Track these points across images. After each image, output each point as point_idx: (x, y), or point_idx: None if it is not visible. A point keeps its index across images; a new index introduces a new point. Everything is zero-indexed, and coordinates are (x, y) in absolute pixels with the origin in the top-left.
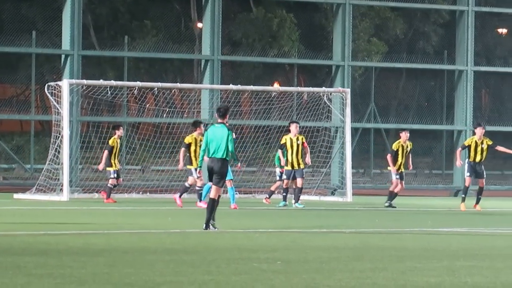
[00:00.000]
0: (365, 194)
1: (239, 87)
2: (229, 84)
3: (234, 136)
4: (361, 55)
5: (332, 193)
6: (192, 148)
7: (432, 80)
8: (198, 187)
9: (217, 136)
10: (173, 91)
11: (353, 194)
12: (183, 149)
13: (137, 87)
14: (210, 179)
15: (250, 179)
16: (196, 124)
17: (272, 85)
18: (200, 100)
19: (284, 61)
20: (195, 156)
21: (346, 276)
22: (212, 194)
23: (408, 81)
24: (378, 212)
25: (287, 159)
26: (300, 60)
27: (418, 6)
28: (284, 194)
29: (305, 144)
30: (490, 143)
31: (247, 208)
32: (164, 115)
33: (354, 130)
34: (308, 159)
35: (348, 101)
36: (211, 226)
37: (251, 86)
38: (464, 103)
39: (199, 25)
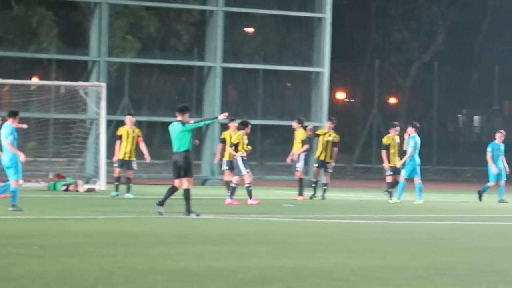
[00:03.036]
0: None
1: (0, 80)
2: None
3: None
4: (116, 52)
5: (87, 182)
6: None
7: (183, 76)
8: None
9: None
10: None
11: (107, 183)
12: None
13: None
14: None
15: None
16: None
17: (31, 79)
18: None
19: (43, 56)
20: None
21: (100, 260)
22: (185, 185)
23: (160, 76)
24: (133, 200)
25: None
26: (58, 55)
27: (171, 5)
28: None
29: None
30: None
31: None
32: None
33: (109, 122)
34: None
35: (103, 95)
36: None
37: (11, 80)
38: (213, 97)
39: None
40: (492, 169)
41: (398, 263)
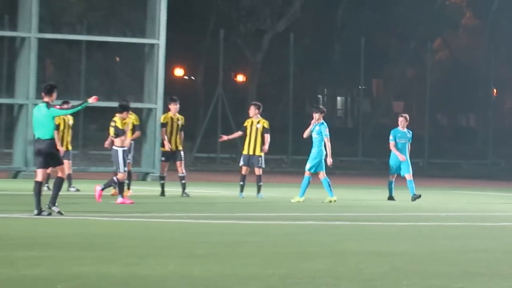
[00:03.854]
0: None
1: None
2: None
3: None
4: None
5: None
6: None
7: None
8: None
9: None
10: None
11: None
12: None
13: None
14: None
15: None
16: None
17: None
18: None
19: None
20: None
21: None
22: (60, 174)
23: None
24: None
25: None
26: None
27: None
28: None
29: None
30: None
31: None
32: None
33: None
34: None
35: None
36: (44, 211)
37: None
38: (27, 74)
39: None
40: (399, 156)
41: (248, 271)
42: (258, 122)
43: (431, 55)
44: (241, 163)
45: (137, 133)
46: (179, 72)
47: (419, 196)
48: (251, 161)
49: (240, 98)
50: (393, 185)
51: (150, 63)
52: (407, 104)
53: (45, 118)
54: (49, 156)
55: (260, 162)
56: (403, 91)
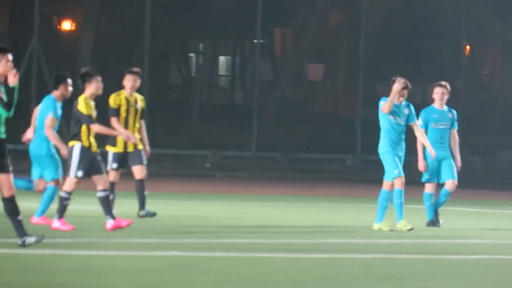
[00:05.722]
0: None
1: None
2: None
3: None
4: None
5: None
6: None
7: None
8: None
9: None
10: None
11: None
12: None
13: None
14: None
15: None
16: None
17: None
18: None
19: None
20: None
21: None
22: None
23: None
24: None
25: None
26: None
27: None
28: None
29: None
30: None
31: None
32: None
33: None
34: None
35: None
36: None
37: None
38: None
39: None
40: (429, 150)
41: None
42: (136, 101)
43: None
44: (114, 165)
45: None
46: None
47: (434, 223)
48: (128, 160)
49: (68, 56)
50: (432, 201)
51: None
52: (330, 69)
53: None
54: None
55: (143, 158)
56: (323, 47)
